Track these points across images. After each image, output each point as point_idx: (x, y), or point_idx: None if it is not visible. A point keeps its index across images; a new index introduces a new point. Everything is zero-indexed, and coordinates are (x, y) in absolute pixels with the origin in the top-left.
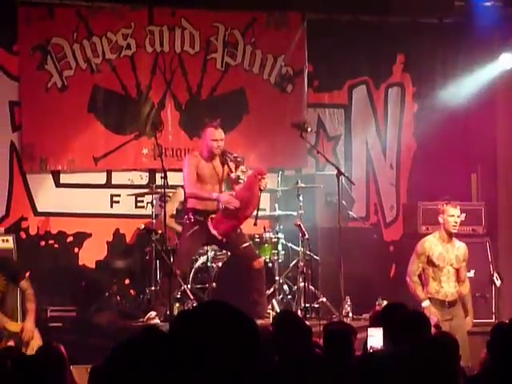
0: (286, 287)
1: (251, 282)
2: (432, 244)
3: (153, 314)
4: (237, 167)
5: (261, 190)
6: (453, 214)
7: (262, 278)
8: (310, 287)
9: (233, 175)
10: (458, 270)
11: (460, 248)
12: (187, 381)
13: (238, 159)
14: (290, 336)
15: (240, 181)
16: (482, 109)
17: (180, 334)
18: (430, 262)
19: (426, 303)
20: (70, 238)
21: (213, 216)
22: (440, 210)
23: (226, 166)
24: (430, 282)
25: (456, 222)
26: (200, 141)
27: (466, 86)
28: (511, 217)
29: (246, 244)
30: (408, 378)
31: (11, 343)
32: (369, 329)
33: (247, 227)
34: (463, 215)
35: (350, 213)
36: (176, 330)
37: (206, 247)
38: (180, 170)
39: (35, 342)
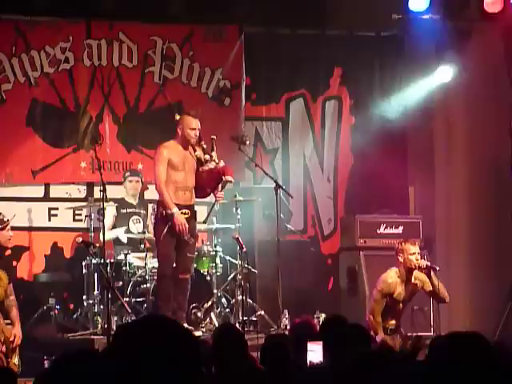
0: (224, 300)
1: (175, 290)
2: (395, 283)
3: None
4: (211, 151)
5: (216, 200)
6: (414, 252)
7: (184, 291)
8: (248, 300)
9: (207, 156)
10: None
11: (419, 276)
12: None
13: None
14: (228, 349)
15: (209, 164)
16: (420, 121)
17: (118, 349)
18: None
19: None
20: (8, 252)
21: None
22: (399, 249)
23: (199, 150)
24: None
25: (418, 259)
26: (177, 129)
27: (404, 99)
28: (448, 230)
29: (190, 255)
30: None
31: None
32: (308, 343)
33: None
34: (401, 228)
35: (287, 226)
36: (114, 344)
37: (145, 258)
38: (118, 183)
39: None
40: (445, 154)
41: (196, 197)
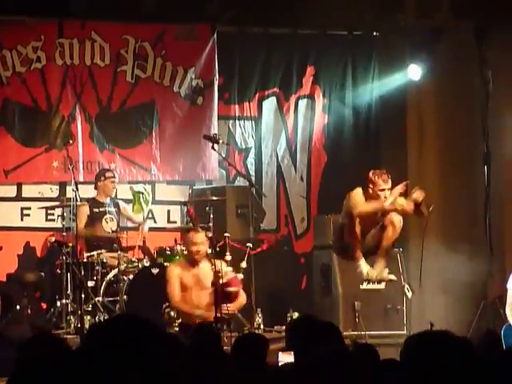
0: None
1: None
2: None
3: None
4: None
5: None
6: (384, 189)
7: None
8: None
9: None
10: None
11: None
12: None
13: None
14: (205, 347)
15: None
16: (393, 119)
17: (91, 347)
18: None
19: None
20: None
21: None
22: (369, 179)
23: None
24: None
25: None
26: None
27: (377, 98)
28: (422, 227)
29: None
30: None
31: None
32: (279, 353)
33: (157, 240)
34: None
35: (260, 225)
36: (87, 342)
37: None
38: (92, 183)
39: None
40: (417, 151)
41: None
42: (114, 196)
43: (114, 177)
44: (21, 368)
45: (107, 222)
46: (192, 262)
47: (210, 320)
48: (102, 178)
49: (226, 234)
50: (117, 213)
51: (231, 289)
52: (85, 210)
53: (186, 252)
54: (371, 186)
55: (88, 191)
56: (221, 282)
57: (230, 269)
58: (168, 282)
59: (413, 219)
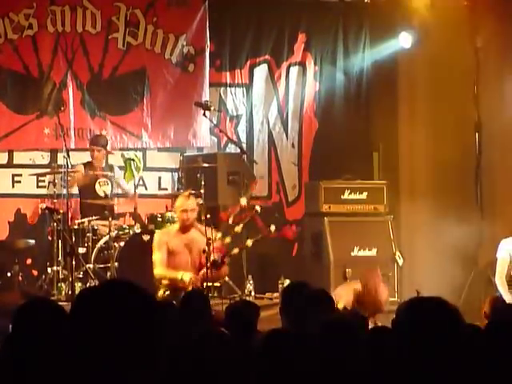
0: None
1: None
2: None
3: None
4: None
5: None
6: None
7: None
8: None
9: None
10: None
11: None
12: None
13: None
14: (197, 314)
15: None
16: (384, 87)
17: (81, 313)
18: None
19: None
20: None
21: None
22: None
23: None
24: None
25: None
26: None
27: (368, 65)
28: (413, 195)
29: None
30: (317, 357)
31: None
32: None
33: (149, 206)
34: (365, 193)
35: (252, 192)
36: (77, 308)
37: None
38: (83, 150)
39: None
40: (408, 118)
41: None
42: (107, 161)
43: (101, 145)
44: (16, 332)
45: (100, 186)
46: (182, 228)
47: (196, 284)
48: (93, 147)
49: (256, 208)
50: (112, 176)
51: (218, 257)
52: (80, 174)
53: (176, 219)
54: None
55: (80, 158)
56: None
57: (220, 235)
58: (154, 250)
59: (403, 184)
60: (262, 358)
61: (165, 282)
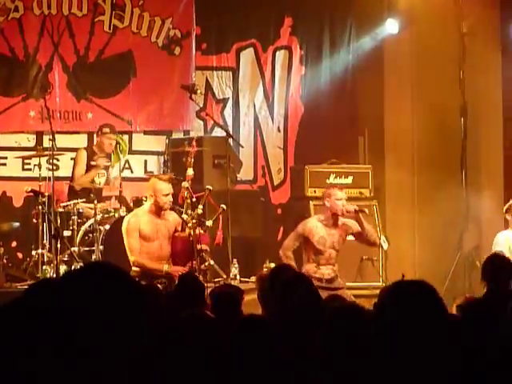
0: None
1: None
2: (315, 227)
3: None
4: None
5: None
6: (340, 198)
7: None
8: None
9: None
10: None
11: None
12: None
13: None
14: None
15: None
16: (370, 72)
17: (64, 295)
18: (309, 245)
19: None
20: None
21: None
22: (325, 193)
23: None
24: (307, 262)
25: (344, 205)
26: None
27: (354, 50)
28: (398, 179)
29: None
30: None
31: None
32: None
33: (134, 189)
34: (350, 178)
35: (237, 176)
36: (60, 290)
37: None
38: (69, 133)
39: None
40: (394, 103)
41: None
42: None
43: (110, 133)
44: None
45: (99, 177)
46: (157, 211)
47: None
48: (99, 133)
49: (207, 187)
50: (107, 168)
51: (204, 246)
52: (83, 156)
53: (152, 201)
54: (327, 199)
55: (65, 141)
56: (187, 232)
57: (194, 220)
58: (126, 235)
59: (389, 169)
60: (237, 344)
61: (135, 269)
